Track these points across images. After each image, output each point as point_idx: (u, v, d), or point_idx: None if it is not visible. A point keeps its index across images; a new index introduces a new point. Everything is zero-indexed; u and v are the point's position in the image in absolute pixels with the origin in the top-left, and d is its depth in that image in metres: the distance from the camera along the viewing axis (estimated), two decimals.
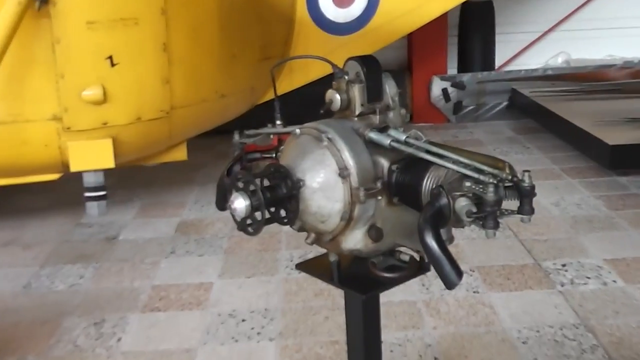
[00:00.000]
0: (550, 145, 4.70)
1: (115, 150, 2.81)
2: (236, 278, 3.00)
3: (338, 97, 1.31)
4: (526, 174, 1.14)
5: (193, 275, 3.04)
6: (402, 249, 1.39)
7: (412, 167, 1.26)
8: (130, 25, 2.71)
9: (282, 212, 1.26)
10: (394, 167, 1.27)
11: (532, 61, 5.69)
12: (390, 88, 1.36)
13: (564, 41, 5.69)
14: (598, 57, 5.67)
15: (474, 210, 1.12)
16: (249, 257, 3.20)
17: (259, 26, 3.30)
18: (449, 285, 1.12)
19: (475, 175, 1.15)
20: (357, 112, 1.32)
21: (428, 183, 1.20)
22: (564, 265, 2.94)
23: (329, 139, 1.25)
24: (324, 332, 2.51)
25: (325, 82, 1.40)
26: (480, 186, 1.13)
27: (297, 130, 1.31)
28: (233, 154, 1.58)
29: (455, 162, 1.19)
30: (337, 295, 2.76)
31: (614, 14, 5.62)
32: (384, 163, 1.28)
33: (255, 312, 2.68)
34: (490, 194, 1.11)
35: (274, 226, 3.75)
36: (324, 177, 1.24)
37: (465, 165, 1.18)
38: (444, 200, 1.14)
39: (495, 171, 1.15)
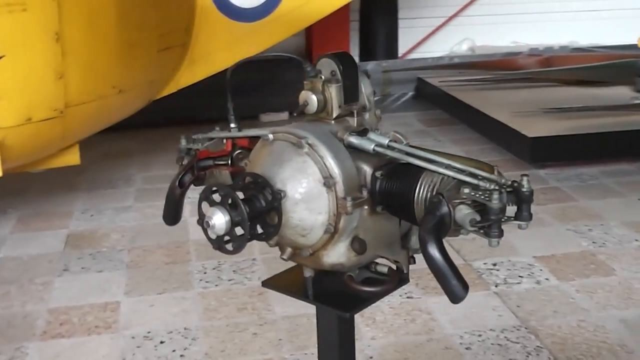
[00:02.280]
0: (463, 137, 4.91)
1: (1, 156, 2.66)
2: (146, 295, 2.93)
3: (314, 98, 1.32)
4: (524, 178, 1.19)
5: (95, 294, 2.94)
6: (378, 260, 1.42)
7: (399, 173, 1.28)
8: (17, 12, 2.57)
9: (259, 228, 1.25)
10: (377, 173, 1.29)
11: (437, 48, 5.91)
12: (365, 87, 1.38)
13: (468, 27, 5.94)
14: (502, 44, 5.97)
15: (478, 218, 1.16)
16: (157, 271, 3.13)
17: (156, 12, 3.22)
18: (455, 299, 1.16)
19: (474, 181, 1.19)
20: (334, 115, 1.33)
21: (422, 191, 1.23)
22: (495, 265, 3.08)
23: (309, 144, 1.25)
24: (255, 351, 2.51)
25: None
26: (480, 193, 1.17)
27: (270, 136, 1.30)
28: (180, 161, 1.55)
29: (448, 167, 1.23)
30: (263, 309, 2.77)
31: (517, 0, 5.94)
32: (367, 169, 1.30)
33: (174, 333, 2.63)
34: (495, 202, 1.15)
35: (180, 235, 3.68)
36: (307, 187, 1.24)
37: (459, 171, 1.22)
38: (444, 209, 1.17)
39: (493, 176, 1.20)
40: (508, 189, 1.18)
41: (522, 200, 1.18)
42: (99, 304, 2.86)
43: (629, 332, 2.54)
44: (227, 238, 1.21)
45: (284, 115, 5.63)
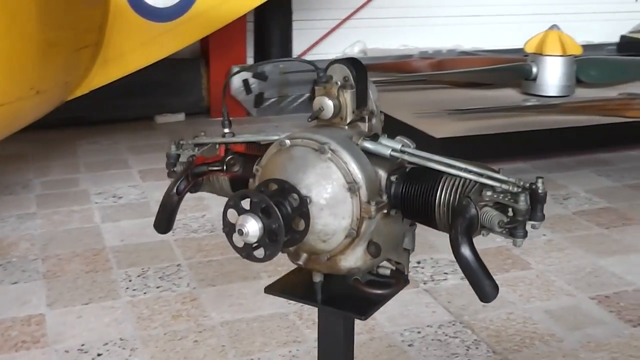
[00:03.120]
0: None
1: None
2: (71, 306, 2.81)
3: (331, 103, 1.33)
4: (539, 180, 1.25)
5: (13, 307, 2.79)
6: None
7: (415, 177, 1.32)
8: None
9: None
10: (392, 177, 1.33)
11: (331, 50, 5.98)
12: (372, 92, 1.41)
13: (360, 30, 6.07)
14: (393, 47, 6.15)
15: (506, 220, 1.21)
16: (78, 280, 3.01)
17: (73, 10, 3.08)
18: (487, 298, 1.21)
19: (496, 184, 1.24)
20: (349, 120, 1.35)
21: (443, 194, 1.27)
22: (419, 263, 3.18)
23: (331, 150, 1.27)
24: (200, 358, 2.47)
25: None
26: (502, 195, 1.23)
27: (287, 141, 1.30)
28: (171, 167, 1.52)
29: (466, 170, 1.28)
30: (199, 316, 2.73)
31: (407, 3, 6.13)
32: (382, 174, 1.33)
33: (111, 344, 2.54)
34: (522, 203, 1.21)
35: (96, 242, 3.57)
36: (332, 193, 1.26)
37: (478, 174, 1.27)
38: (473, 212, 1.22)
39: (511, 179, 1.26)
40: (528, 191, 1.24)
41: (537, 201, 1.24)
42: (21, 318, 2.71)
43: (554, 322, 2.71)
44: (256, 245, 1.21)
45: (180, 117, 5.53)
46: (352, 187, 1.25)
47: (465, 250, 1.19)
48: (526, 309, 2.80)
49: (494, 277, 1.26)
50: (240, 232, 1.18)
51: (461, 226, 1.21)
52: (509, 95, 5.07)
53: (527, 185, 1.24)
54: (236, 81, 5.50)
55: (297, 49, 5.93)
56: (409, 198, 1.31)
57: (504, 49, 6.15)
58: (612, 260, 3.22)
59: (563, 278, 3.06)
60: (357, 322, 2.66)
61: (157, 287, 2.95)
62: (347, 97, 1.34)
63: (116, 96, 4.76)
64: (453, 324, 2.69)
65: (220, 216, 1.26)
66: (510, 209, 1.22)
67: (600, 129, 4.47)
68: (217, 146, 1.51)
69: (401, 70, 5.41)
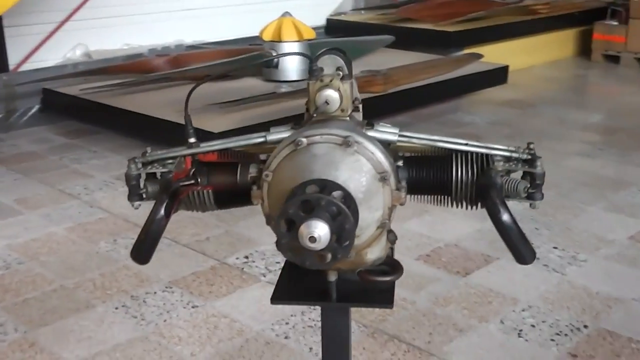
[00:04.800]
0: (119, 145, 4.79)
1: None
2: None
3: (337, 96, 1.31)
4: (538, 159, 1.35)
5: None
6: None
7: (421, 160, 1.36)
8: None
9: None
10: (399, 162, 1.35)
11: (51, 56, 5.59)
12: (355, 81, 1.41)
13: (80, 32, 5.73)
14: (116, 47, 5.91)
15: (529, 185, 1.31)
16: None
17: None
18: (526, 261, 1.30)
19: (507, 153, 1.33)
20: (349, 111, 1.34)
21: (461, 171, 1.33)
22: (247, 258, 3.17)
23: (357, 142, 1.25)
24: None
25: None
26: (514, 164, 1.32)
27: (304, 140, 1.25)
28: (137, 190, 1.37)
29: (472, 146, 1.35)
30: None
31: (126, 1, 5.93)
32: (391, 160, 1.34)
33: None
34: (539, 167, 1.31)
35: None
36: (366, 186, 1.24)
37: (487, 148, 1.35)
38: (499, 181, 1.30)
39: (514, 148, 1.36)
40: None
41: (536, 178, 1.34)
42: None
43: (398, 287, 2.88)
44: (322, 250, 1.15)
45: None
46: (383, 176, 1.25)
47: (507, 217, 1.26)
48: None
49: None
50: (313, 240, 1.12)
51: (496, 196, 1.27)
52: (254, 84, 5.20)
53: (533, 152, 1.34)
54: None
55: (13, 59, 5.43)
56: (421, 180, 1.34)
57: (228, 39, 6.27)
58: (414, 223, 3.50)
59: None
60: (219, 327, 2.62)
61: None
62: (347, 88, 1.32)
63: None
64: (313, 309, 2.74)
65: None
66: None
67: None
68: (184, 159, 1.40)
69: (141, 70, 5.25)
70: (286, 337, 2.57)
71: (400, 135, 1.35)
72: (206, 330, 2.62)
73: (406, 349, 2.48)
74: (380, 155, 1.26)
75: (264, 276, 3.01)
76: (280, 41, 5.15)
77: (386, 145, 1.33)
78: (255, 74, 5.35)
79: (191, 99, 1.49)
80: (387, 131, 1.35)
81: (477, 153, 1.34)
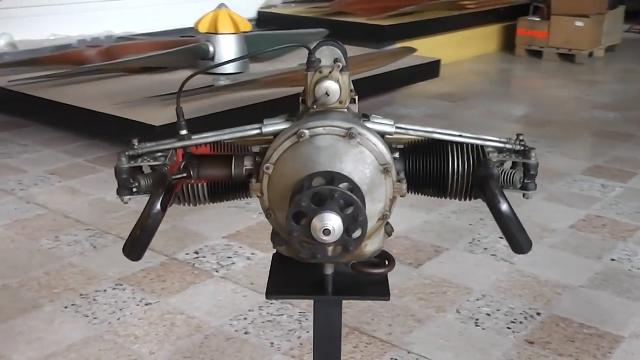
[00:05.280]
0: (50, 138, 4.64)
1: None
2: None
3: (337, 87, 1.30)
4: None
5: None
6: None
7: (419, 151, 1.36)
8: None
9: None
10: (395, 154, 1.35)
11: None
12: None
13: (4, 21, 5.51)
14: (42, 37, 5.72)
15: (522, 176, 1.33)
16: None
17: None
18: (523, 251, 1.31)
19: (499, 145, 1.35)
20: (347, 103, 1.33)
21: (457, 162, 1.34)
22: (197, 253, 3.12)
23: (359, 134, 1.24)
24: None
25: None
26: (509, 154, 1.34)
27: (306, 132, 1.24)
28: (127, 183, 1.33)
29: (465, 137, 1.36)
30: None
31: None
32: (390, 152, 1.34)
33: None
34: (533, 158, 1.34)
35: None
36: (370, 177, 1.24)
37: (474, 138, 1.36)
38: (496, 172, 1.31)
39: (506, 139, 1.38)
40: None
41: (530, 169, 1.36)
42: None
43: None
44: (333, 242, 1.14)
45: None
46: (386, 168, 1.25)
47: (506, 207, 1.27)
48: None
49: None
50: (327, 232, 1.11)
51: (495, 187, 1.29)
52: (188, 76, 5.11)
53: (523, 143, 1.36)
54: None
55: None
56: (417, 172, 1.35)
57: (159, 31, 6.15)
58: None
59: None
60: (177, 324, 2.58)
61: None
62: (346, 79, 1.32)
63: None
64: (271, 303, 2.72)
65: None
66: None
67: (288, 99, 4.78)
68: (175, 152, 1.37)
69: (73, 62, 5.08)
70: (246, 333, 2.54)
71: (396, 127, 1.35)
72: (163, 327, 2.56)
73: (368, 341, 2.50)
74: (382, 147, 1.25)
75: (217, 271, 2.97)
76: (216, 33, 5.08)
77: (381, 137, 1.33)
78: (190, 67, 5.26)
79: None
80: (383, 123, 1.35)
81: (472, 144, 1.35)
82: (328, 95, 1.29)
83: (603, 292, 2.85)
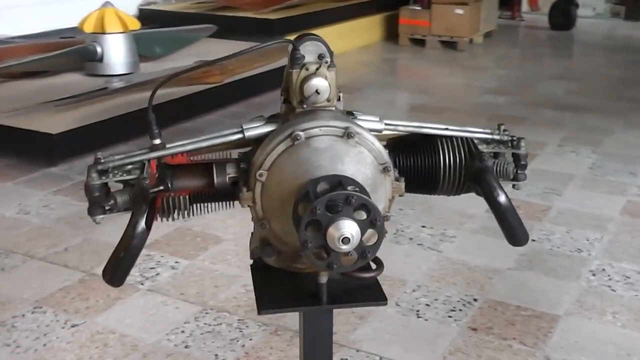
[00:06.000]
0: None
1: None
2: None
3: (327, 85, 1.23)
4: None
5: None
6: None
7: (407, 147, 1.32)
8: None
9: None
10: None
11: None
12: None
13: None
14: None
15: (514, 167, 1.32)
16: None
17: None
18: (520, 242, 1.30)
19: (488, 136, 1.33)
20: (335, 100, 1.27)
21: (447, 155, 1.31)
22: None
23: (357, 133, 1.19)
24: None
25: None
26: (495, 146, 1.33)
27: (301, 134, 1.16)
28: (101, 202, 1.21)
29: (451, 130, 1.33)
30: None
31: None
32: None
33: None
34: (523, 148, 1.32)
35: None
36: (372, 178, 1.19)
37: (461, 131, 1.34)
38: (491, 164, 1.29)
39: (490, 130, 1.36)
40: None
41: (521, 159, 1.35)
42: None
43: None
44: (349, 249, 1.08)
45: None
46: (386, 167, 1.20)
47: (504, 199, 1.26)
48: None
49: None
50: (346, 241, 1.05)
51: (492, 179, 1.27)
52: (78, 79, 4.89)
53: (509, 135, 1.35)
54: None
55: None
56: (407, 169, 1.31)
57: (35, 33, 5.81)
58: None
59: None
60: (110, 345, 2.43)
61: None
62: (333, 76, 1.25)
63: None
64: (207, 313, 2.62)
65: None
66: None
67: (185, 99, 4.64)
68: (148, 163, 1.26)
69: None
70: (186, 347, 2.42)
71: (387, 124, 1.30)
72: (96, 349, 2.41)
73: None
74: (379, 146, 1.20)
75: (142, 284, 2.83)
76: (104, 33, 4.86)
77: None
78: (77, 69, 5.02)
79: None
80: (370, 120, 1.30)
81: (461, 137, 1.32)
82: (319, 93, 1.22)
83: (531, 273, 2.92)
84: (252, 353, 2.39)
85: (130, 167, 1.24)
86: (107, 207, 1.22)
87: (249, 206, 1.19)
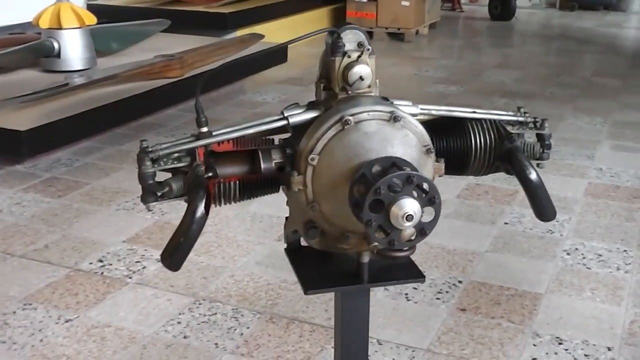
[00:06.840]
0: None
1: None
2: None
3: (370, 71, 1.29)
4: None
5: None
6: None
7: (439, 130, 1.38)
8: None
9: None
10: None
11: None
12: None
13: None
14: None
15: (540, 146, 1.40)
16: None
17: None
18: (549, 218, 1.38)
19: (514, 118, 1.41)
20: (374, 87, 1.32)
21: (478, 137, 1.38)
22: (102, 262, 2.95)
23: (402, 117, 1.25)
24: None
25: None
26: (524, 126, 1.41)
27: (351, 119, 1.22)
28: (155, 189, 1.24)
29: (480, 113, 1.41)
30: None
31: None
32: None
33: None
34: (547, 128, 1.41)
35: None
36: (418, 159, 1.25)
37: (488, 114, 1.41)
38: (520, 144, 1.37)
39: (512, 112, 1.44)
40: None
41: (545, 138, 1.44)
42: None
43: (267, 269, 2.89)
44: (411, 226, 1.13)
45: None
46: (429, 149, 1.26)
47: (535, 176, 1.34)
48: (239, 267, 2.91)
49: None
50: (410, 218, 1.10)
51: (523, 158, 1.34)
52: (35, 75, 4.79)
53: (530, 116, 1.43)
54: None
55: None
56: (440, 151, 1.37)
57: None
58: (255, 205, 3.49)
59: (252, 231, 3.23)
60: (108, 339, 2.44)
61: None
62: (373, 62, 1.31)
63: None
64: (199, 304, 2.64)
65: None
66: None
67: (145, 95, 4.60)
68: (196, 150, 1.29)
69: None
70: (185, 337, 2.45)
71: (422, 109, 1.36)
72: (94, 343, 2.41)
73: (310, 329, 2.49)
74: (422, 129, 1.27)
75: (130, 278, 2.83)
76: (60, 28, 4.78)
77: None
78: (32, 66, 4.93)
79: None
80: (406, 105, 1.35)
81: (488, 120, 1.39)
82: (362, 79, 1.28)
83: (508, 255, 3.04)
84: (251, 341, 2.42)
85: (177, 154, 1.27)
86: (159, 194, 1.25)
87: (298, 190, 1.24)
